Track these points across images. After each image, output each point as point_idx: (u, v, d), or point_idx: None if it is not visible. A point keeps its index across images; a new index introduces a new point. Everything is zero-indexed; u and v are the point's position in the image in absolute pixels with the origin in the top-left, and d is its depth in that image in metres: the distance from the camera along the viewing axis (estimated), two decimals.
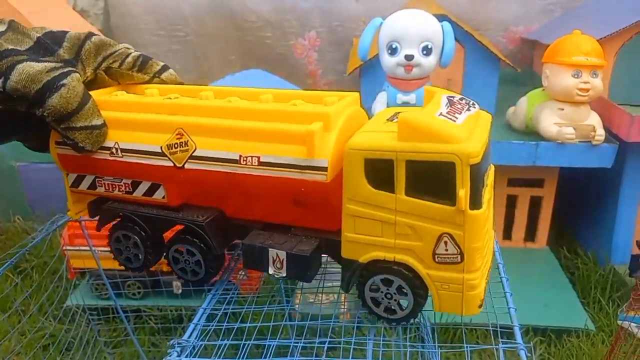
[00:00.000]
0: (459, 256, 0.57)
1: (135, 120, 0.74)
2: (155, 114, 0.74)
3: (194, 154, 0.69)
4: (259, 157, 0.65)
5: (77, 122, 0.72)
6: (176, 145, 0.70)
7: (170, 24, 2.31)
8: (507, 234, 1.83)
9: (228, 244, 0.77)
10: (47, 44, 0.77)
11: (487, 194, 0.62)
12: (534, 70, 2.21)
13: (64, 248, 1.51)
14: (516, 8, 2.23)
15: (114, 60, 0.82)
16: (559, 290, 1.61)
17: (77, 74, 0.73)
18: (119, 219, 0.80)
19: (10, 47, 0.71)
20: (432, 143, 0.55)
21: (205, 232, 0.72)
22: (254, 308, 0.81)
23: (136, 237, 0.78)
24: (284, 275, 0.67)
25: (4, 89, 0.69)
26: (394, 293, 0.63)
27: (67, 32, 0.81)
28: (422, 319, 0.92)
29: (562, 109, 1.52)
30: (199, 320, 0.69)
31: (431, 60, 1.52)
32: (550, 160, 1.55)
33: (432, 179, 0.56)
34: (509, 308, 0.68)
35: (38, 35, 0.76)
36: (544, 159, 1.55)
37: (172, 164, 0.71)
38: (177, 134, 0.70)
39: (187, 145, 0.69)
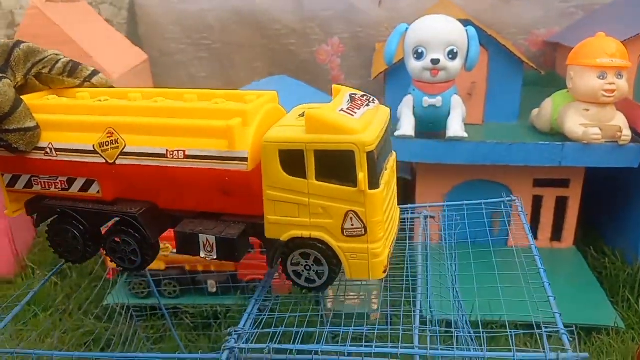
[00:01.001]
0: (363, 229, 0.69)
1: (68, 122, 0.80)
2: (87, 115, 0.80)
3: (124, 150, 0.76)
4: (184, 151, 0.73)
5: (10, 124, 0.77)
6: (107, 143, 0.77)
7: (196, 33, 2.38)
8: (533, 234, 1.84)
9: (162, 233, 0.84)
10: None
11: (387, 176, 0.73)
12: (557, 73, 2.23)
13: None
14: (537, 11, 2.25)
15: (44, 66, 0.87)
16: (587, 289, 1.62)
17: (8, 80, 0.79)
18: (57, 215, 0.86)
19: None
20: (334, 135, 0.66)
21: (139, 223, 0.79)
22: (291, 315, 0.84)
23: (75, 231, 0.84)
24: (215, 257, 0.76)
25: None
26: (312, 265, 0.74)
27: None
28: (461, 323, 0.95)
29: (588, 110, 1.54)
30: (251, 310, 0.73)
31: (457, 64, 1.56)
32: (576, 160, 1.57)
33: (336, 165, 0.67)
34: (554, 313, 0.71)
35: None
36: (569, 160, 1.57)
37: (104, 161, 0.78)
38: (107, 133, 0.77)
39: (118, 143, 0.77)
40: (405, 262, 0.89)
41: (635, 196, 1.72)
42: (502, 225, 1.71)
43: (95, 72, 0.91)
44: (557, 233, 1.84)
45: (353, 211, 0.68)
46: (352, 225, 0.69)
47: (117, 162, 0.77)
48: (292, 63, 2.36)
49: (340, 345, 0.65)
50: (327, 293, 1.47)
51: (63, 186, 0.82)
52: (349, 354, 0.63)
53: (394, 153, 0.83)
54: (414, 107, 1.58)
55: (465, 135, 1.56)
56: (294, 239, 0.72)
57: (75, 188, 0.82)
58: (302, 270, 0.74)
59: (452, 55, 1.52)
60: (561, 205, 1.80)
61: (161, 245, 1.49)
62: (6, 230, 1.84)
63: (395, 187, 0.82)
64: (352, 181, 0.67)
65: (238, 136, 0.70)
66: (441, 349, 0.66)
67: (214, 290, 1.55)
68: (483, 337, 0.70)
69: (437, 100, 1.55)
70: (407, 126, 1.57)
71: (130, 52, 2.24)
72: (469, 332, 0.83)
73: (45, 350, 1.17)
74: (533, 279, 0.78)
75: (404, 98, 1.61)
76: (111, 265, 1.64)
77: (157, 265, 1.52)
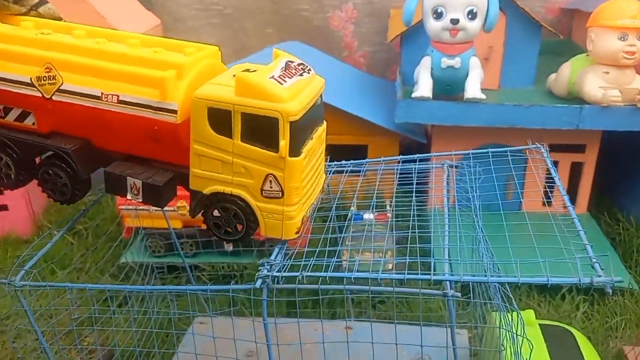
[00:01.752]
0: (280, 192, 0.73)
1: (8, 51, 0.80)
2: (28, 47, 0.80)
3: (61, 88, 0.77)
4: (118, 96, 0.75)
5: None
6: (45, 78, 0.78)
7: None
8: (547, 199, 1.84)
9: (93, 170, 0.86)
10: None
11: (312, 145, 0.77)
12: (573, 41, 2.20)
13: (120, 207, 1.58)
14: None
15: None
16: (602, 252, 1.62)
17: None
18: None
19: None
20: (261, 100, 0.68)
21: (71, 159, 0.81)
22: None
23: (8, 158, 0.85)
24: (141, 200, 0.79)
25: None
26: (231, 219, 0.77)
27: None
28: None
29: (607, 73, 1.53)
30: (282, 245, 0.74)
31: (476, 25, 1.54)
32: (594, 123, 1.56)
33: (261, 130, 0.70)
34: (584, 245, 0.71)
35: None
36: (587, 123, 1.56)
37: (40, 95, 0.79)
38: (46, 68, 0.78)
39: (55, 79, 0.77)
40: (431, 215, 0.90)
41: None
42: (515, 188, 1.72)
43: (43, 1, 0.88)
44: (571, 199, 1.84)
45: (272, 174, 0.72)
46: (271, 187, 0.73)
47: (54, 97, 0.78)
48: (304, 29, 2.33)
49: (372, 272, 0.66)
50: (341, 253, 1.49)
51: (0, 115, 0.83)
52: (382, 281, 0.64)
53: (324, 123, 0.86)
54: (431, 69, 1.57)
55: (483, 96, 1.55)
56: (216, 194, 0.75)
57: (11, 117, 0.83)
58: (221, 223, 0.78)
59: (472, 15, 1.50)
60: (576, 171, 1.79)
61: (179, 204, 1.50)
62: (22, 191, 1.85)
63: (323, 156, 0.86)
64: (274, 147, 0.70)
65: (170, 88, 0.72)
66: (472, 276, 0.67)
67: (231, 249, 1.57)
68: (517, 264, 0.70)
69: (456, 62, 1.54)
70: (424, 87, 1.56)
71: (144, 16, 2.22)
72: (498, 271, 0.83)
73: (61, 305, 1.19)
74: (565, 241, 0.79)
75: (422, 59, 1.60)
76: (128, 224, 1.65)
77: (175, 224, 1.53)
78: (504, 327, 0.79)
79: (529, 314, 0.96)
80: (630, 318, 1.37)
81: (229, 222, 0.77)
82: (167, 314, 1.42)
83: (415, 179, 0.91)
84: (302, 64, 0.78)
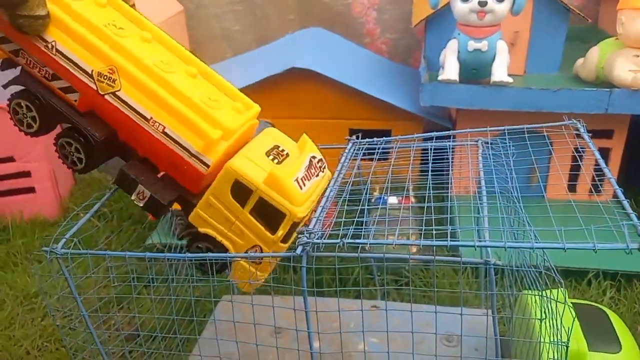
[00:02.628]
0: (259, 261, 0.87)
1: (80, 35, 0.82)
2: (98, 38, 0.83)
3: (117, 93, 0.82)
4: (165, 127, 0.82)
5: (22, 11, 0.78)
6: (105, 77, 0.82)
7: None
8: (571, 186, 1.82)
9: (110, 158, 0.91)
10: None
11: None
12: (599, 27, 2.17)
13: None
14: None
15: None
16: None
17: None
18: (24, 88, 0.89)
19: None
20: (280, 196, 0.81)
21: (97, 147, 0.86)
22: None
23: (36, 114, 0.88)
24: (141, 206, 0.87)
25: None
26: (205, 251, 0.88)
27: None
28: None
29: (638, 56, 1.51)
30: (319, 214, 0.74)
31: (504, 7, 1.53)
32: (624, 107, 1.54)
33: (269, 214, 0.83)
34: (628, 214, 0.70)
35: None
36: (617, 107, 1.54)
37: (95, 88, 0.83)
38: (109, 69, 0.82)
39: (114, 84, 0.82)
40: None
41: None
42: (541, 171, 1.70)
43: None
44: (597, 186, 1.82)
45: (260, 247, 0.85)
46: (254, 252, 0.86)
47: (105, 97, 0.83)
48: (326, 15, 2.32)
49: (413, 240, 0.66)
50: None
51: (47, 76, 0.86)
52: (422, 247, 0.64)
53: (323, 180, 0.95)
54: (458, 52, 1.56)
55: (511, 80, 1.54)
56: (209, 236, 0.87)
57: (56, 85, 0.86)
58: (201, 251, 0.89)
59: None
60: (603, 157, 1.77)
61: None
62: (50, 174, 1.88)
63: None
64: (273, 230, 0.84)
65: (213, 146, 0.82)
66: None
67: None
68: (561, 232, 0.70)
69: (483, 45, 1.53)
70: (451, 70, 1.55)
71: (167, 2, 2.23)
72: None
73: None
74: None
75: (448, 43, 1.59)
76: None
77: None
78: (539, 301, 0.79)
79: (561, 293, 0.95)
80: None
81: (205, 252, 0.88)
82: (197, 291, 1.44)
83: (451, 155, 0.91)
84: (321, 160, 0.90)
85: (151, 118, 0.81)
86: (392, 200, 1.73)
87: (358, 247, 0.70)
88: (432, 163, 0.90)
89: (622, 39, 1.54)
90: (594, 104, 1.55)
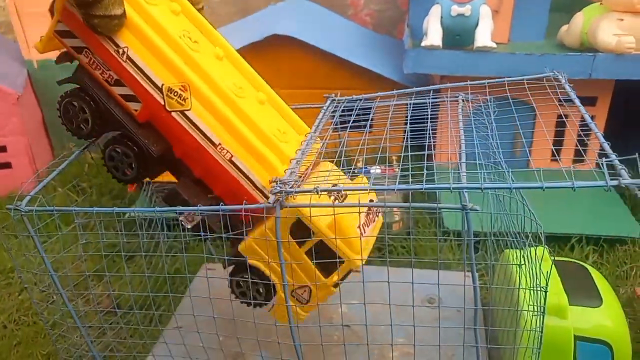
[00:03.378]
0: (307, 301, 0.82)
1: (155, 44, 0.77)
2: (172, 50, 0.77)
3: (186, 112, 0.76)
4: (232, 155, 0.77)
5: (97, 10, 0.74)
6: (176, 93, 0.76)
7: None
8: (555, 155, 1.82)
9: (163, 172, 0.86)
10: None
11: None
12: None
13: None
14: None
15: None
16: (611, 206, 1.61)
17: None
18: (77, 88, 0.84)
19: None
20: (342, 242, 0.77)
21: (152, 161, 0.81)
22: None
23: (89, 117, 0.83)
24: (188, 227, 0.82)
25: None
26: (253, 289, 0.85)
27: None
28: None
29: (622, 20, 1.49)
30: (293, 165, 0.72)
31: None
32: (608, 72, 1.52)
33: (326, 258, 0.77)
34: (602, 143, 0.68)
35: None
36: (600, 72, 1.53)
37: (162, 103, 0.77)
38: (182, 86, 0.76)
39: (185, 102, 0.76)
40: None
41: None
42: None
43: None
44: (580, 154, 1.81)
45: (310, 288, 0.81)
46: (302, 294, 0.82)
47: (172, 114, 0.77)
48: None
49: (388, 185, 0.64)
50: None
51: (109, 80, 0.80)
52: (398, 191, 0.63)
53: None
54: (441, 17, 1.53)
55: (494, 45, 1.52)
56: (258, 268, 0.82)
57: (118, 91, 0.80)
58: (242, 284, 0.85)
59: None
60: (586, 125, 1.76)
61: None
62: (26, 149, 1.83)
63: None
64: (327, 274, 0.79)
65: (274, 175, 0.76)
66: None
67: None
68: (540, 172, 0.68)
69: (466, 9, 1.50)
70: (434, 36, 1.52)
71: None
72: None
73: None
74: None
75: (431, 9, 1.56)
76: None
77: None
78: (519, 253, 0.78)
79: (542, 251, 0.94)
80: None
81: (249, 289, 0.84)
82: (175, 263, 1.42)
83: (430, 112, 0.89)
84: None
85: (219, 144, 0.77)
86: (376, 170, 1.72)
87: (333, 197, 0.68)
88: (414, 122, 0.87)
89: (606, 3, 1.53)
90: (578, 69, 1.53)
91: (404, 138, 0.84)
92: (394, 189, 0.65)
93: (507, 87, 0.92)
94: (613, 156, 0.66)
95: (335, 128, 0.92)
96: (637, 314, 1.19)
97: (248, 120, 0.78)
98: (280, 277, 0.79)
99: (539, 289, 0.69)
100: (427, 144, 0.81)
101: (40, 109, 2.00)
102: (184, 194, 0.81)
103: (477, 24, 1.52)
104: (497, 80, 0.95)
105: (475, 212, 0.66)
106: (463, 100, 0.96)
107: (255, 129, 0.78)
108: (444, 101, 0.95)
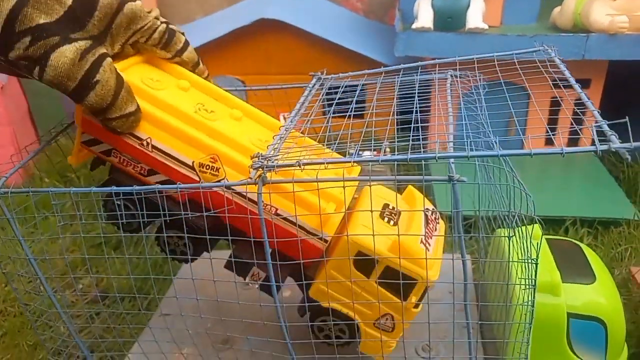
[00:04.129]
0: (391, 329, 0.81)
1: (174, 127, 0.77)
2: (194, 128, 0.78)
3: (223, 181, 0.77)
4: (277, 209, 0.76)
5: (112, 114, 0.75)
6: (208, 167, 0.77)
7: None
8: (549, 139, 1.80)
9: (217, 243, 0.83)
10: (77, 15, 0.73)
11: None
12: None
13: None
14: None
15: (142, 35, 0.82)
16: (606, 188, 1.60)
17: (109, 59, 0.75)
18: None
19: (40, 21, 0.70)
20: (409, 262, 0.75)
21: (204, 240, 0.79)
22: None
23: (135, 213, 0.82)
24: (257, 287, 0.82)
25: (40, 79, 0.71)
26: (336, 329, 0.84)
27: None
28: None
29: (615, 0, 1.47)
30: (275, 142, 0.70)
31: None
32: (601, 53, 1.50)
33: (398, 282, 0.76)
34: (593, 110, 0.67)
35: (69, 2, 0.73)
36: (594, 52, 1.51)
37: (197, 179, 0.78)
38: (211, 158, 0.77)
39: (218, 172, 0.77)
40: None
41: None
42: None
43: (186, 45, 0.88)
44: (574, 138, 1.80)
45: (392, 315, 0.79)
46: (385, 322, 0.80)
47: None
48: None
49: (373, 157, 0.62)
50: None
51: (142, 172, 0.81)
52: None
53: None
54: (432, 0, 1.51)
55: (486, 26, 1.50)
56: (334, 310, 0.81)
57: (154, 180, 0.81)
58: (328, 331, 0.84)
59: None
60: (580, 108, 1.74)
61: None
62: (12, 139, 1.80)
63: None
64: (405, 298, 0.77)
65: (328, 221, 0.76)
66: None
67: None
68: (529, 139, 0.66)
69: None
70: (425, 18, 1.50)
71: None
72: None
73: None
74: None
75: None
76: None
77: None
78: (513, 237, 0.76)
79: (534, 229, 0.92)
80: (636, 247, 1.35)
81: (331, 331, 0.84)
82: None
83: (418, 89, 0.86)
84: (434, 211, 0.85)
85: (269, 205, 0.75)
86: (367, 154, 1.70)
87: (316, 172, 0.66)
88: (402, 101, 0.85)
89: None
90: (571, 50, 1.51)
91: (393, 118, 0.81)
92: (377, 160, 0.63)
93: (497, 68, 0.89)
94: (602, 122, 0.64)
95: (323, 111, 0.89)
96: (632, 294, 1.18)
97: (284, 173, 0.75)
98: (362, 313, 0.79)
99: (530, 261, 0.67)
100: (414, 117, 0.78)
101: (26, 99, 1.97)
102: (244, 257, 0.80)
103: (468, 6, 1.50)
104: (486, 55, 0.93)
105: (462, 183, 0.63)
106: (452, 76, 0.94)
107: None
108: (432, 78, 0.93)
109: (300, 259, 0.75)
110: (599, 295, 0.85)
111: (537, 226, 0.93)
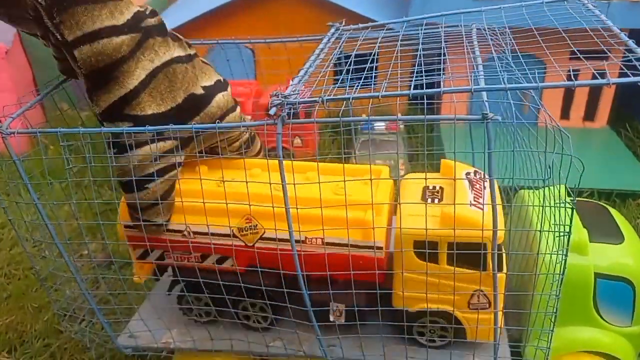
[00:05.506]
0: (488, 304, 0.76)
1: (203, 207, 0.77)
2: (219, 200, 0.78)
3: (264, 237, 0.78)
4: (321, 238, 0.75)
5: (139, 214, 0.78)
6: (246, 229, 0.79)
7: None
8: (565, 113, 1.76)
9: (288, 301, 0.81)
10: (181, 115, 0.76)
11: None
12: None
13: None
14: None
15: (225, 144, 0.84)
16: (623, 161, 1.56)
17: (174, 172, 0.77)
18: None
19: (149, 112, 0.73)
20: (467, 230, 0.70)
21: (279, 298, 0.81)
22: None
23: (208, 301, 0.86)
24: (343, 322, 0.82)
25: (110, 151, 0.77)
26: (437, 330, 0.81)
27: (211, 98, 0.79)
28: None
29: None
30: (298, 83, 0.66)
31: None
32: (623, 21, 1.46)
33: (469, 254, 0.72)
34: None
35: (179, 101, 0.75)
36: (615, 20, 1.45)
37: (244, 244, 0.80)
38: (246, 219, 0.78)
39: (257, 229, 0.79)
40: None
41: None
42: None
43: (259, 153, 0.91)
44: (590, 112, 1.76)
45: (481, 290, 0.75)
46: (478, 300, 0.76)
47: (256, 246, 0.79)
48: None
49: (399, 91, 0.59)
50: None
51: (197, 260, 0.83)
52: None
53: None
54: None
55: None
56: (423, 311, 0.78)
57: (210, 261, 0.83)
58: (427, 333, 0.82)
59: None
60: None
61: None
62: (16, 107, 1.77)
63: None
64: (482, 267, 0.73)
65: (376, 230, 0.74)
66: None
67: None
68: None
69: None
70: None
71: None
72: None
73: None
74: None
75: None
76: None
77: None
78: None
79: (560, 189, 0.89)
80: None
81: (434, 332, 0.82)
82: None
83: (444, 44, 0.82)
84: (476, 171, 0.81)
85: (305, 239, 0.75)
86: (379, 125, 1.66)
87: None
88: (425, 53, 0.81)
89: None
90: (592, 17, 1.46)
91: (413, 71, 0.77)
92: (408, 94, 0.59)
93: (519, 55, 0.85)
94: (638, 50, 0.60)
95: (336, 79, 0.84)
96: None
97: (309, 201, 0.73)
98: (449, 303, 0.76)
99: (561, 232, 0.65)
100: (439, 68, 0.74)
101: (31, 67, 1.93)
102: (320, 298, 0.79)
103: None
104: (513, 5, 0.88)
105: (496, 121, 0.60)
106: (477, 29, 0.90)
107: (317, 202, 0.73)
108: (459, 30, 0.89)
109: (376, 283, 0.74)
110: (628, 256, 0.82)
111: (562, 187, 0.89)
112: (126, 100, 0.71)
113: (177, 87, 0.75)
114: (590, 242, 0.81)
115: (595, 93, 1.75)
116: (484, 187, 0.78)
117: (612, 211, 0.91)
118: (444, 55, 0.83)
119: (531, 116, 1.65)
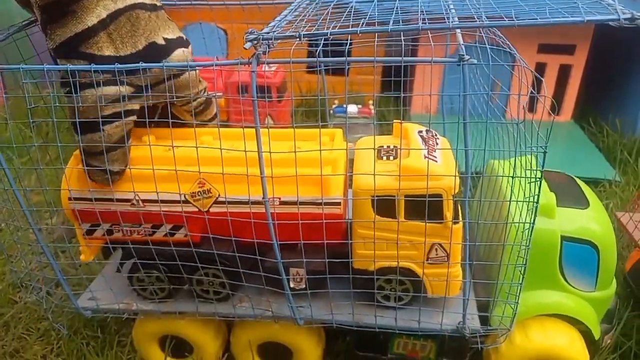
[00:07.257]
0: (446, 257, 0.77)
1: (151, 173, 0.75)
2: (168, 165, 0.76)
3: (219, 199, 0.76)
4: (279, 198, 0.74)
5: (96, 162, 0.75)
6: (199, 193, 0.77)
7: None
8: (531, 106, 1.81)
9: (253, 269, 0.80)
10: (140, 62, 0.72)
11: None
12: None
13: None
14: None
15: (182, 102, 0.83)
16: (587, 153, 1.61)
17: (131, 118, 0.75)
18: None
19: (106, 53, 0.71)
20: (423, 182, 0.71)
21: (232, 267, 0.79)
22: None
23: (163, 279, 0.84)
24: (302, 286, 0.80)
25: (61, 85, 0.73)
26: (398, 289, 0.81)
27: (171, 51, 0.77)
28: None
29: None
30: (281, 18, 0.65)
31: None
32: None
33: (424, 204, 0.73)
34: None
35: (140, 47, 0.74)
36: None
37: (199, 209, 0.77)
38: (198, 183, 0.76)
39: (211, 192, 0.77)
40: None
41: (635, 70, 1.69)
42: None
43: (214, 117, 0.89)
44: (557, 105, 1.81)
45: (438, 243, 0.76)
46: (437, 254, 0.77)
47: (211, 210, 0.77)
48: None
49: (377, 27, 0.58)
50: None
51: (148, 232, 0.80)
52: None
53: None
54: None
55: None
56: (382, 269, 0.78)
57: (161, 234, 0.80)
58: (390, 294, 0.82)
59: None
60: (563, 75, 1.76)
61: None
62: None
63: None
64: (439, 219, 0.74)
65: (332, 184, 0.75)
66: None
67: None
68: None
69: None
70: None
71: None
72: None
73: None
74: None
75: None
76: None
77: None
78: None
79: (529, 160, 0.90)
80: (617, 201, 1.35)
81: (397, 290, 0.81)
82: None
83: None
84: (428, 130, 0.82)
85: (262, 199, 0.71)
86: (352, 109, 1.66)
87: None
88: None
89: None
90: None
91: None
92: (387, 30, 0.59)
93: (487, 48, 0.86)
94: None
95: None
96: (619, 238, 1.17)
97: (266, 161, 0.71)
98: (410, 257, 0.76)
99: (529, 200, 0.67)
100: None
101: None
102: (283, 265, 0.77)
103: None
104: None
105: (472, 65, 0.60)
106: None
107: (281, 163, 0.72)
108: None
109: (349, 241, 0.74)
110: (593, 221, 0.83)
111: (532, 157, 0.91)
112: (82, 37, 0.69)
113: (139, 33, 0.73)
114: (557, 206, 0.82)
115: (561, 86, 1.80)
116: (437, 143, 0.79)
117: (578, 180, 0.93)
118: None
119: (499, 108, 1.68)
